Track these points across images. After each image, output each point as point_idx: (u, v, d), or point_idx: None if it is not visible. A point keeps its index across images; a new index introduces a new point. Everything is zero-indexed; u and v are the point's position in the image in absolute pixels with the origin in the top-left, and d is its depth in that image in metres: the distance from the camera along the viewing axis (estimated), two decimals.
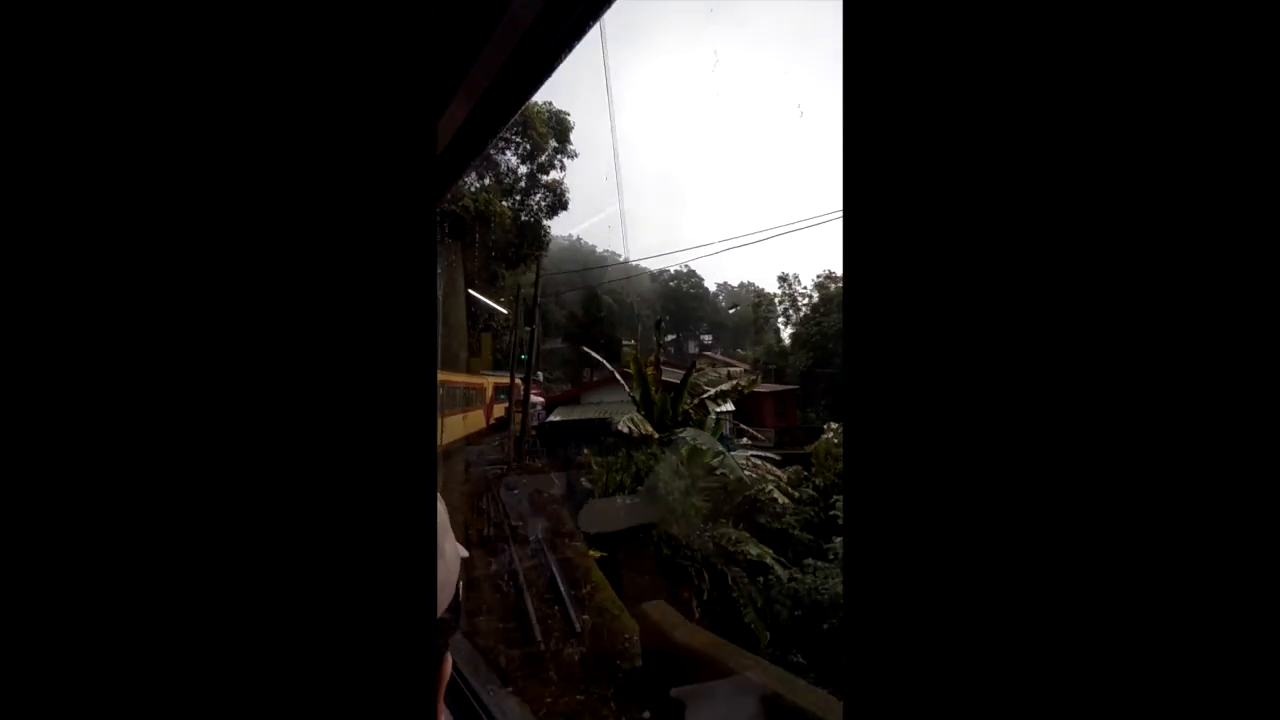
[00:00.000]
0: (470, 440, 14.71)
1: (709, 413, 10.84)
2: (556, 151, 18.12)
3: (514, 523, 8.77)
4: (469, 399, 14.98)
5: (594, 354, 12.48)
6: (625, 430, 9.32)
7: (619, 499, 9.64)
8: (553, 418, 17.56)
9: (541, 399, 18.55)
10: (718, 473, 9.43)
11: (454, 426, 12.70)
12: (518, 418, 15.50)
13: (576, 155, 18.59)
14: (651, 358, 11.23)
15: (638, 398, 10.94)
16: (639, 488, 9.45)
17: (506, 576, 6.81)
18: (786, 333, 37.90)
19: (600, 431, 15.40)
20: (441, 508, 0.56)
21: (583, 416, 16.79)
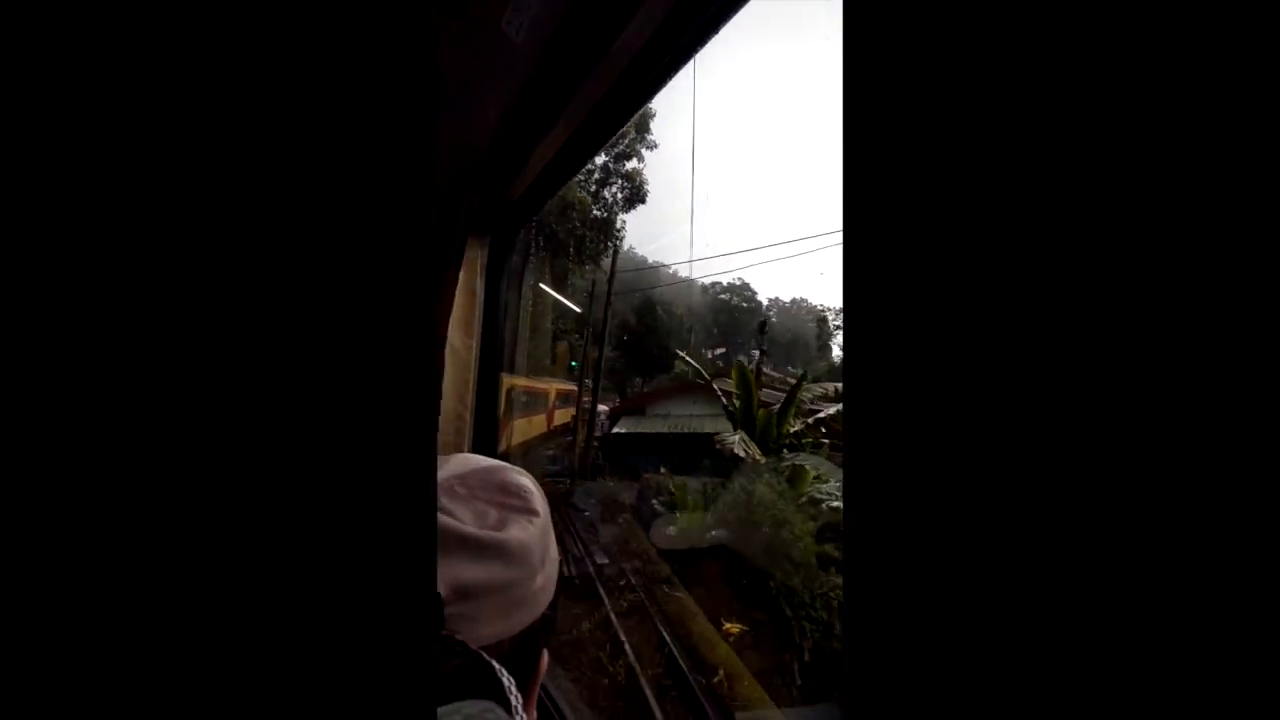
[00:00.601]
0: (531, 445, 13.58)
1: (822, 436, 9.06)
2: (635, 141, 16.75)
3: (598, 559, 7.17)
4: (534, 404, 13.99)
5: (690, 361, 10.81)
6: (741, 453, 7.63)
7: (714, 532, 7.99)
8: (617, 429, 16.03)
9: (605, 408, 17.07)
10: (821, 505, 7.66)
11: (521, 429, 12.52)
12: (582, 428, 14.08)
13: (656, 146, 17.19)
14: (753, 368, 9.52)
15: (737, 413, 9.24)
16: (737, 520, 7.74)
17: (609, 646, 5.16)
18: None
19: (676, 447, 13.79)
20: (547, 507, 0.58)
21: (653, 430, 15.19)
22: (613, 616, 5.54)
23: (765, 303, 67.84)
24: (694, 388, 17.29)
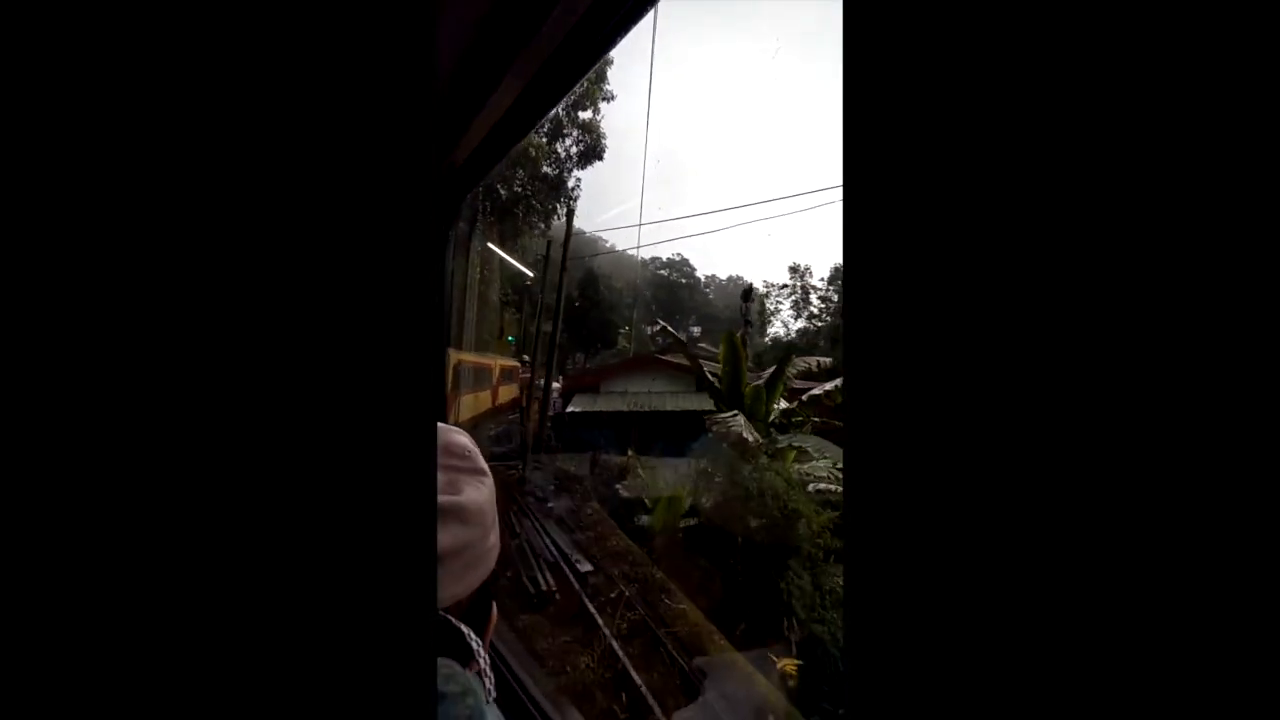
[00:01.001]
0: (477, 422, 12.24)
1: (813, 415, 8.21)
2: (593, 89, 15.14)
3: (580, 565, 5.98)
4: (480, 380, 12.70)
5: (673, 332, 9.55)
6: (750, 437, 6.60)
7: (693, 521, 7.02)
8: (571, 408, 14.75)
9: (558, 385, 15.72)
10: (807, 487, 6.85)
11: (468, 405, 11.52)
12: (533, 406, 12.72)
13: (614, 98, 15.66)
14: (739, 335, 8.50)
15: (724, 389, 8.22)
16: (730, 507, 6.77)
17: (624, 694, 4.00)
18: (795, 326, 35.81)
19: (640, 427, 12.72)
20: (489, 484, 0.59)
21: (612, 408, 14.02)
22: (616, 647, 4.38)
23: (703, 279, 67.50)
24: (653, 363, 16.27)
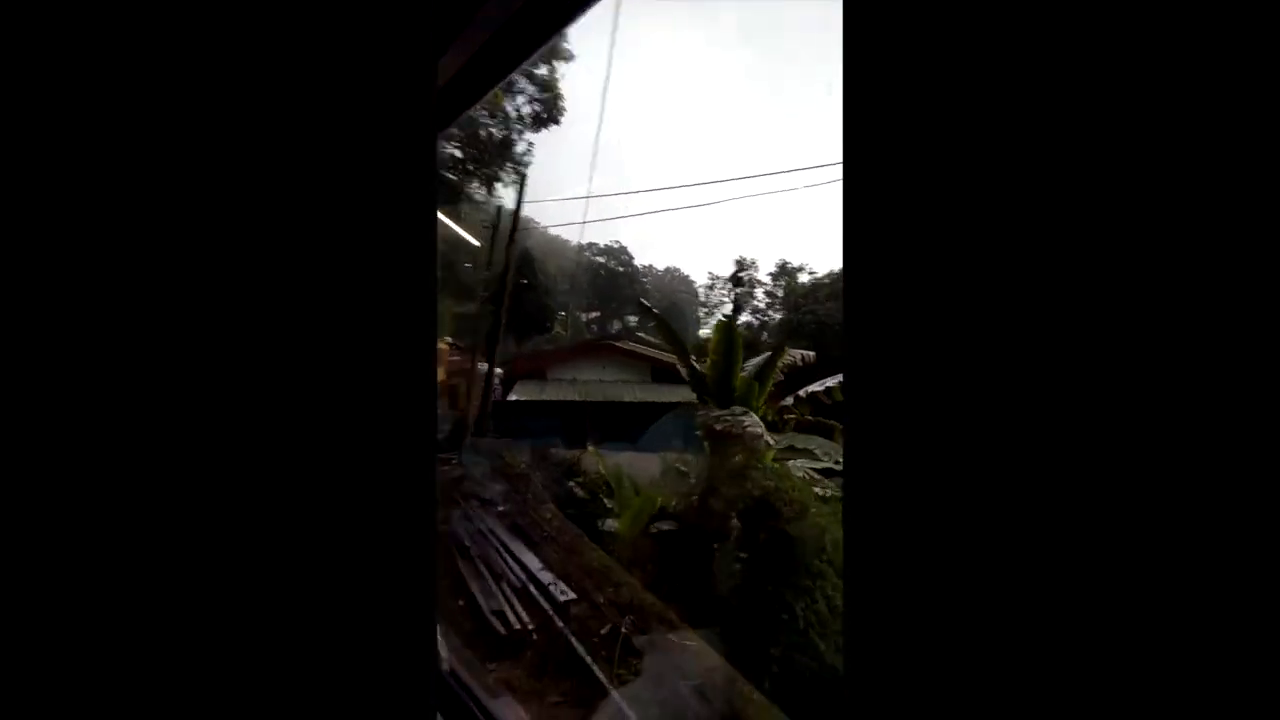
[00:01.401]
0: None
1: (809, 413, 7.42)
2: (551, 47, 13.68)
3: (560, 593, 4.79)
4: None
5: (656, 312, 8.33)
6: (770, 440, 5.62)
7: (666, 525, 6.04)
8: (514, 396, 13.34)
9: (500, 371, 14.27)
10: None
11: None
12: (474, 394, 11.28)
13: (574, 57, 14.26)
14: (733, 321, 7.54)
15: (711, 383, 7.24)
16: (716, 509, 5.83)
17: None
18: (740, 320, 35.57)
19: (595, 419, 11.57)
20: None
21: (561, 397, 12.76)
22: (629, 712, 3.27)
23: (640, 269, 66.53)
24: (602, 349, 15.14)
